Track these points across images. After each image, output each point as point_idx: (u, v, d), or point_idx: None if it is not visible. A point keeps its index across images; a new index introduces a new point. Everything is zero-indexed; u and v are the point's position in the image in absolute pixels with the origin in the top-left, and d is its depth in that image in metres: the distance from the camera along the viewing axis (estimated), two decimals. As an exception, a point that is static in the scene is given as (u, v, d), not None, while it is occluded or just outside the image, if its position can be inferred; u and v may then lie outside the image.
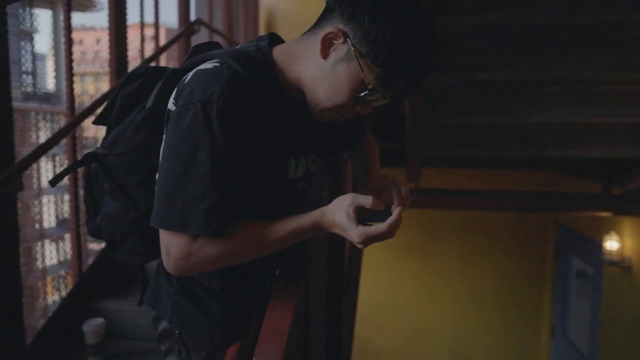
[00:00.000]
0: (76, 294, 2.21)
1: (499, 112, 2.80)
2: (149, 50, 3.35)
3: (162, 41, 3.47)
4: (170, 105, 0.89)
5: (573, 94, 2.73)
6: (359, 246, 0.88)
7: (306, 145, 1.04)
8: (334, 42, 0.87)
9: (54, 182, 1.04)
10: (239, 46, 1.03)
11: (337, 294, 1.72)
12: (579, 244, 4.53)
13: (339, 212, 0.88)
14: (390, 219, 0.86)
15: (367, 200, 0.87)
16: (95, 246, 2.76)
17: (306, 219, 0.90)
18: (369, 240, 0.86)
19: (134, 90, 1.03)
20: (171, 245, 0.86)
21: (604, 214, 3.52)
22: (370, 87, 0.86)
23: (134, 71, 1.06)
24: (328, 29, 0.87)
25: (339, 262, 1.76)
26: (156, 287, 1.09)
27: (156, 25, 3.42)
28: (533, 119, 2.82)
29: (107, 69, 2.70)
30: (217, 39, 4.06)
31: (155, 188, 0.90)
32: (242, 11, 4.72)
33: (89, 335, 1.94)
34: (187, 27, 3.45)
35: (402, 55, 0.83)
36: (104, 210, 1.01)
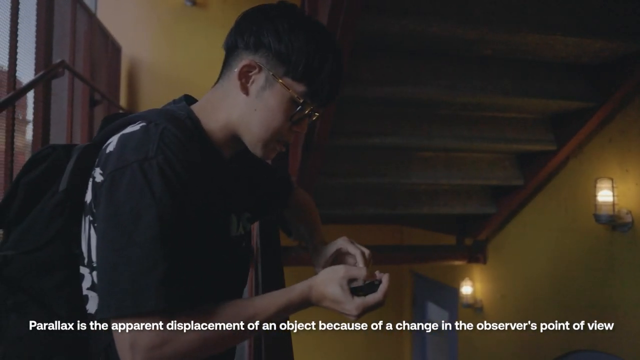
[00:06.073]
0: None
1: (383, 173, 3.07)
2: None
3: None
4: (97, 177, 0.78)
5: (441, 160, 3.18)
6: (353, 319, 0.85)
7: (241, 202, 1.00)
8: (250, 74, 0.87)
9: None
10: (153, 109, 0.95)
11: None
12: (434, 291, 5.06)
13: (331, 285, 0.84)
14: (383, 287, 0.86)
15: (361, 273, 0.86)
16: None
17: (294, 293, 0.84)
18: (366, 310, 0.84)
19: (40, 174, 0.87)
20: (138, 334, 0.70)
21: (459, 262, 4.02)
22: (301, 100, 0.87)
23: (37, 154, 0.90)
24: (240, 65, 0.87)
25: None
26: None
27: None
28: (409, 180, 3.16)
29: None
30: (78, 85, 3.66)
31: (97, 275, 0.76)
32: (104, 58, 4.37)
33: None
34: (50, 69, 3.04)
35: (318, 59, 0.86)
36: (11, 334, 0.80)
